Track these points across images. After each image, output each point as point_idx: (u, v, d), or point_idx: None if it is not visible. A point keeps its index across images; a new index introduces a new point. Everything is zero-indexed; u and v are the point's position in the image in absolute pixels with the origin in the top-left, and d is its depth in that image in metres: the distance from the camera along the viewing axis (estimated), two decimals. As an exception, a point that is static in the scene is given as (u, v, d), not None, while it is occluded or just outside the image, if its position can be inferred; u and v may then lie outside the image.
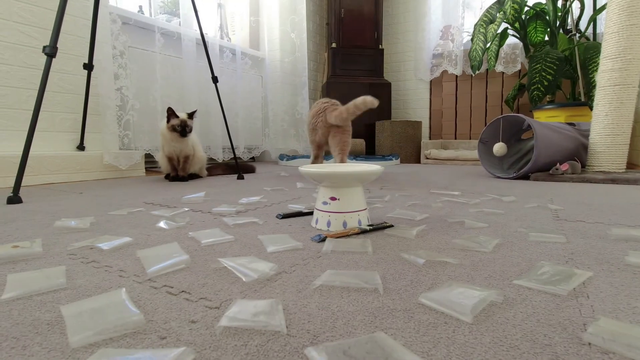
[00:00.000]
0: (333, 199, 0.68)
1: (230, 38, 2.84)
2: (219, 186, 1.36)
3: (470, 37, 2.66)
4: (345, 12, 3.00)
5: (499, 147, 1.59)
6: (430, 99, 3.25)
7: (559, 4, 2.20)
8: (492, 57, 2.36)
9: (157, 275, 0.45)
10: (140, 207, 0.92)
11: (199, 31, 1.63)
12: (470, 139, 3.06)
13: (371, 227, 0.67)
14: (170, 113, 1.45)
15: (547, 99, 2.44)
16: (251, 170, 1.97)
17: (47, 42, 1.51)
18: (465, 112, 3.07)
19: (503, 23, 2.25)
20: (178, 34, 2.07)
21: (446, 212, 0.84)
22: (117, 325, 0.32)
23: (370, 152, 3.03)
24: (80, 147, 1.67)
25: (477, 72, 2.45)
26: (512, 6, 1.86)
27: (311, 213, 0.81)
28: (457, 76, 3.06)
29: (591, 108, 1.84)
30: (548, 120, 2.14)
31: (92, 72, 1.61)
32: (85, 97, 1.61)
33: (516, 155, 1.79)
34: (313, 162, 1.59)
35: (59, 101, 1.60)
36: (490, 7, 2.18)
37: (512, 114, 1.58)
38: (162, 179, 1.62)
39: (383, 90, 3.05)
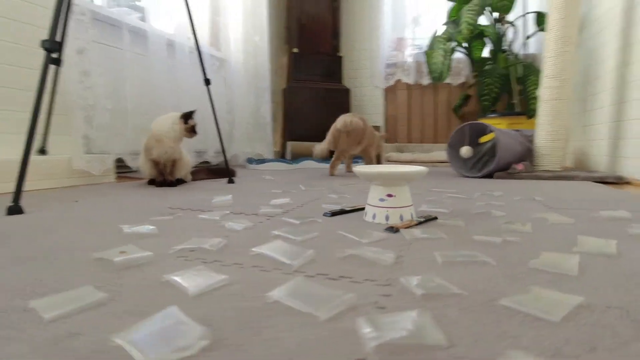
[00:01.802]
0: (390, 195, 0.77)
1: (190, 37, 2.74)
2: (220, 190, 1.34)
3: (421, 50, 2.95)
4: (305, 19, 3.08)
5: (465, 150, 1.83)
6: (386, 105, 3.51)
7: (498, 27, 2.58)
8: (445, 70, 2.67)
9: (301, 265, 0.49)
10: (174, 212, 0.89)
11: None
12: (421, 142, 3.37)
13: (423, 220, 0.78)
14: (189, 115, 1.47)
15: (491, 109, 2.83)
16: (233, 174, 1.95)
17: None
18: (417, 118, 3.38)
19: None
20: (144, 31, 1.96)
21: (462, 207, 0.97)
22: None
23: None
24: (42, 150, 1.51)
25: (439, 82, 2.74)
26: (467, 27, 2.18)
27: (358, 210, 0.88)
28: (409, 85, 3.36)
29: (529, 117, 2.21)
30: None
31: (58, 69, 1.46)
32: (51, 95, 1.46)
33: (476, 157, 2.07)
34: (333, 163, 2.00)
35: (20, 100, 1.43)
36: (448, 26, 2.48)
37: (477, 122, 1.83)
38: (143, 184, 1.54)
39: (342, 96, 3.20)
